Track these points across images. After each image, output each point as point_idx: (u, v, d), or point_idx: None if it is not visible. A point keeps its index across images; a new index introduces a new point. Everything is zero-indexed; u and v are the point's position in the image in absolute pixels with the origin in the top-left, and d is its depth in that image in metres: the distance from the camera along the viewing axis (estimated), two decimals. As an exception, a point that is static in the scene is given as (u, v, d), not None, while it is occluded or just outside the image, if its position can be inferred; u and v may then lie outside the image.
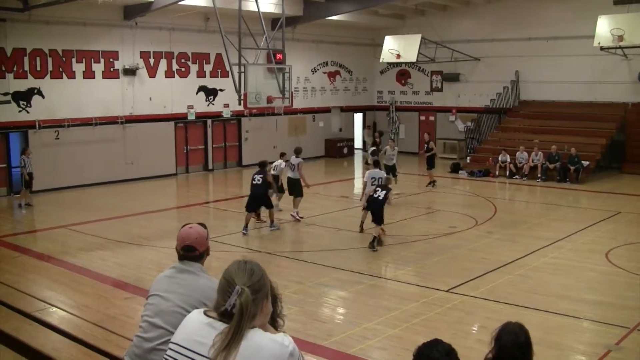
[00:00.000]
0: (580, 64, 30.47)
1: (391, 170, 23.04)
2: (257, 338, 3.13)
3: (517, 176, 27.51)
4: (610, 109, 30.05)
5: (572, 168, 26.43)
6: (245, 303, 3.11)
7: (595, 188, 25.12)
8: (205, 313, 3.31)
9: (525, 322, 4.67)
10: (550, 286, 13.00)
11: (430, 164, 25.12)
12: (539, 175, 26.86)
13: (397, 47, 31.09)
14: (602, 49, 26.42)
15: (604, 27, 25.85)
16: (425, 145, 25.72)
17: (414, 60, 31.07)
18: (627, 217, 19.39)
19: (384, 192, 15.98)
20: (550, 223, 18.95)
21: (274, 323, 3.61)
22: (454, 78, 35.17)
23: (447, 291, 12.54)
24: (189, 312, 3.57)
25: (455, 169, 29.10)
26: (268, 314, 3.33)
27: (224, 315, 3.18)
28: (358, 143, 37.83)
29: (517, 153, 27.85)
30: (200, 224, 5.12)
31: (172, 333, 3.53)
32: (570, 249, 15.93)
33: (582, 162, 26.55)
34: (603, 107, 30.21)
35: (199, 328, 3.27)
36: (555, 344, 10.07)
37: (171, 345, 3.38)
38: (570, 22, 30.46)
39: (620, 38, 25.37)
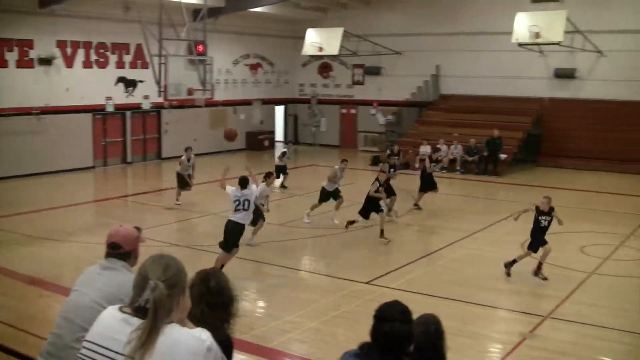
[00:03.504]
0: (499, 59, 31.13)
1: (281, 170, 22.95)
2: (174, 333, 3.06)
3: (436, 169, 27.88)
4: (527, 104, 30.91)
5: (470, 159, 27.48)
6: (159, 298, 3.03)
7: (513, 180, 25.73)
8: (120, 309, 3.21)
9: (443, 313, 4.73)
10: (468, 277, 13.24)
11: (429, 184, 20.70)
12: (458, 167, 27.37)
13: (319, 40, 31.11)
14: (519, 45, 27.00)
15: (522, 24, 26.41)
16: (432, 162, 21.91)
17: (336, 53, 31.17)
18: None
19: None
20: (469, 215, 19.28)
21: (228, 325, 3.72)
22: (375, 71, 35.46)
23: (367, 283, 12.63)
24: (105, 308, 3.47)
25: (375, 161, 29.33)
26: (186, 309, 3.27)
27: (138, 311, 3.09)
28: (279, 136, 37.82)
29: (437, 146, 28.27)
30: (136, 227, 5.04)
31: (88, 330, 3.43)
32: (488, 240, 16.26)
33: (501, 155, 27.21)
34: (520, 101, 31.00)
35: (113, 324, 3.17)
36: (472, 334, 10.26)
37: (85, 343, 3.27)
38: (490, 18, 31.08)
39: (537, 35, 25.96)
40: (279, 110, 38.09)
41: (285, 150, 24.25)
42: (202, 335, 3.13)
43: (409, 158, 28.70)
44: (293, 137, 38.20)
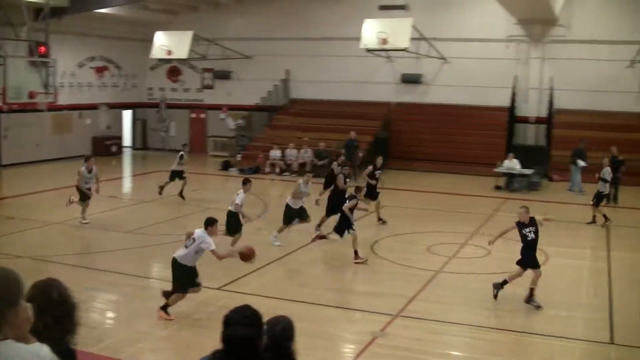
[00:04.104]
0: (348, 65, 31.77)
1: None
2: (8, 351, 2.86)
3: (287, 173, 28.14)
4: (375, 108, 31.69)
5: (319, 162, 27.88)
6: None
7: (362, 183, 26.16)
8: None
9: (295, 316, 4.70)
10: (320, 279, 13.37)
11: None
12: (308, 171, 27.60)
13: (168, 43, 30.57)
14: (367, 50, 27.57)
15: (370, 30, 26.98)
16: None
17: (185, 57, 30.72)
18: (391, 211, 20.29)
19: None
20: (319, 218, 19.45)
21: (72, 336, 3.50)
22: (225, 76, 35.29)
23: (218, 289, 12.49)
24: None
25: (225, 166, 29.17)
26: (20, 324, 3.01)
27: None
28: (127, 141, 36.92)
29: (287, 150, 28.49)
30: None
31: None
32: (339, 242, 16.44)
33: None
34: (369, 106, 31.73)
35: None
36: (324, 334, 10.37)
37: None
38: (340, 24, 31.64)
39: (385, 41, 26.59)
40: (127, 115, 37.12)
41: (182, 153, 22.75)
42: (41, 351, 2.94)
43: (260, 163, 28.77)
44: (141, 142, 37.41)
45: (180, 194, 21.59)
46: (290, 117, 33.18)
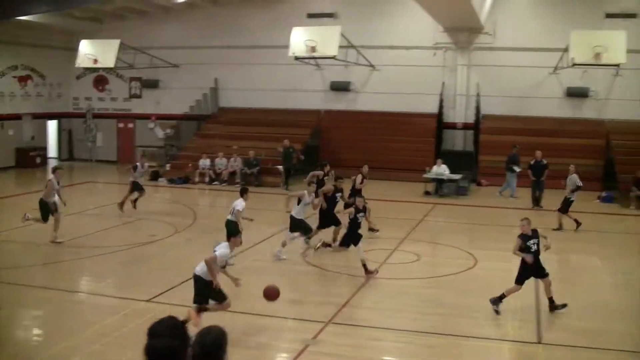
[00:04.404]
0: (278, 73, 31.79)
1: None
2: None
3: (216, 182, 27.91)
4: (304, 116, 31.73)
5: (249, 171, 27.86)
6: None
7: (284, 191, 26.09)
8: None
9: (227, 325, 4.62)
10: (252, 288, 13.20)
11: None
12: (238, 180, 27.45)
13: (94, 52, 29.99)
14: (296, 58, 27.58)
15: (299, 38, 26.98)
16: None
17: (112, 65, 30.20)
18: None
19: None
20: (249, 226, 19.28)
21: None
22: (153, 85, 34.88)
23: (148, 301, 12.25)
24: None
25: (154, 176, 28.72)
26: None
27: None
28: (52, 152, 36.13)
29: (217, 159, 28.26)
30: None
31: None
32: (269, 251, 16.33)
33: (278, 166, 27.57)
34: (298, 113, 31.74)
35: None
36: (256, 344, 10.28)
37: None
38: (268, 32, 31.68)
39: (313, 49, 26.64)
40: (52, 125, 36.30)
41: (137, 164, 21.81)
42: None
43: (189, 172, 28.48)
44: (68, 153, 36.66)
45: (121, 205, 21.02)
46: (220, 125, 32.97)
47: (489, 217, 22.04)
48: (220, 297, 10.74)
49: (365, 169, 19.86)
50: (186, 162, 29.46)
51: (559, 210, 19.85)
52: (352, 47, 28.59)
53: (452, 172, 25.88)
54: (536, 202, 23.24)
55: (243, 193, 15.36)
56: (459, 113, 31.17)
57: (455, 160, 27.22)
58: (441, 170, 25.84)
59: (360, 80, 32.10)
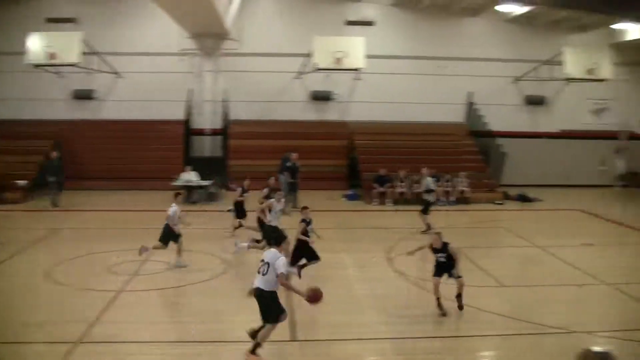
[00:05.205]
0: (16, 81, 29.94)
1: None
2: None
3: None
4: (45, 127, 29.87)
5: None
6: None
7: (31, 207, 24.69)
8: None
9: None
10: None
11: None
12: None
13: None
14: (35, 66, 26.23)
15: (37, 44, 25.67)
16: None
17: None
18: (68, 234, 19.31)
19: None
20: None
21: None
22: None
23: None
24: None
25: None
26: None
27: None
28: None
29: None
30: None
31: None
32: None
33: (19, 181, 25.97)
34: (39, 124, 29.89)
35: None
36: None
37: None
38: (2, 37, 29.70)
39: (53, 55, 25.50)
40: None
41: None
42: None
43: None
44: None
45: None
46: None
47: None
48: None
49: (272, 181, 20.53)
50: None
51: (422, 212, 20.67)
52: (95, 53, 27.71)
53: (202, 178, 25.86)
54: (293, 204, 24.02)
55: (176, 197, 16.43)
56: (208, 119, 31.21)
57: (205, 166, 27.24)
58: (190, 177, 25.74)
59: (105, 87, 31.16)
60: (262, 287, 9.97)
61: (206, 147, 31.32)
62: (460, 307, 12.36)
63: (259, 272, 10.06)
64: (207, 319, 12.08)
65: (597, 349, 3.98)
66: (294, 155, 24.88)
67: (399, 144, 30.26)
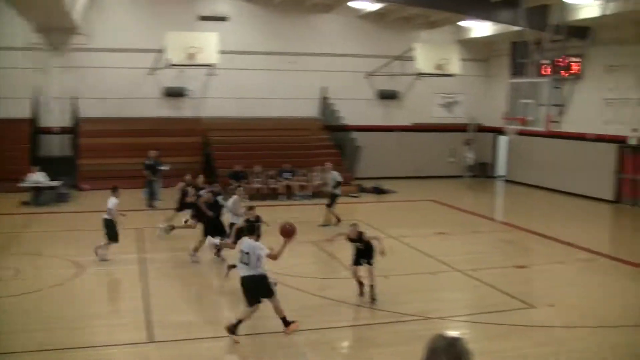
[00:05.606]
0: None
1: None
2: None
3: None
4: None
5: None
6: None
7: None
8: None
9: None
10: None
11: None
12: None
13: None
14: None
15: None
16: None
17: None
18: None
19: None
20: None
21: None
22: None
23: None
24: None
25: None
26: None
27: None
28: None
29: None
30: None
31: None
32: None
33: None
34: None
35: None
36: None
37: None
38: None
39: None
40: None
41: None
42: None
43: None
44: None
45: None
46: None
47: (95, 222, 21.56)
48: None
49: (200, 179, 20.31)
50: None
51: (327, 205, 21.35)
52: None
53: (51, 178, 24.88)
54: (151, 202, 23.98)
55: (114, 190, 16.32)
56: (56, 117, 29.97)
57: (53, 166, 26.17)
58: (38, 177, 24.72)
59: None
60: (251, 273, 10.84)
61: (55, 146, 30.05)
62: (373, 298, 12.97)
63: (242, 262, 10.90)
64: (62, 325, 11.59)
65: (447, 334, 4.12)
66: (153, 153, 24.47)
67: (255, 140, 30.28)
